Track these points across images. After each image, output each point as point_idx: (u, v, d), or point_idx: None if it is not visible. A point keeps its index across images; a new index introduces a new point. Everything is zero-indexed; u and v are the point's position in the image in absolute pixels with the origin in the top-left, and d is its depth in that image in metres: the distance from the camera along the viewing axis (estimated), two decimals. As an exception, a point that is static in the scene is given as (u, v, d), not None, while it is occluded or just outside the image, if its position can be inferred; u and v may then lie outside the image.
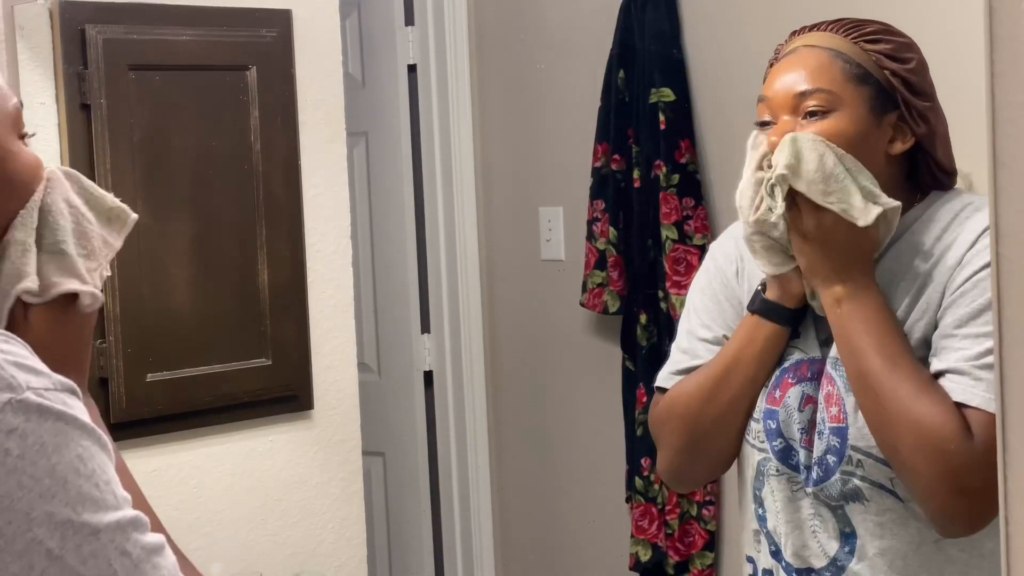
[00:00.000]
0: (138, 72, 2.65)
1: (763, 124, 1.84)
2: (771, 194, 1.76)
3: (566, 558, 3.88)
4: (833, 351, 1.81)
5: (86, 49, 2.59)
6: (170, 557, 1.10)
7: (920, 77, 1.82)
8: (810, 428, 1.81)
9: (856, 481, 1.77)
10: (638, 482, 3.49)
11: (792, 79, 1.81)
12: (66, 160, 2.59)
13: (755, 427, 1.87)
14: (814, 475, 1.80)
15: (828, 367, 1.81)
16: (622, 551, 3.58)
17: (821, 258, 1.76)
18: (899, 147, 1.82)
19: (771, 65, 1.90)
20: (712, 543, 3.41)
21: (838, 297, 1.75)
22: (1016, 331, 0.99)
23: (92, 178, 2.60)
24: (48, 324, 1.26)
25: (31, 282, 1.24)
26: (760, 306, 1.86)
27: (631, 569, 3.54)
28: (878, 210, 1.72)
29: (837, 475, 1.78)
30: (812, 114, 1.78)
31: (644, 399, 3.44)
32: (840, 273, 1.75)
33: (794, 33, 1.90)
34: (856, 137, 1.78)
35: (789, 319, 1.85)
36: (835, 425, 1.78)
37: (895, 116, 1.80)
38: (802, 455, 1.81)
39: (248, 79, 2.79)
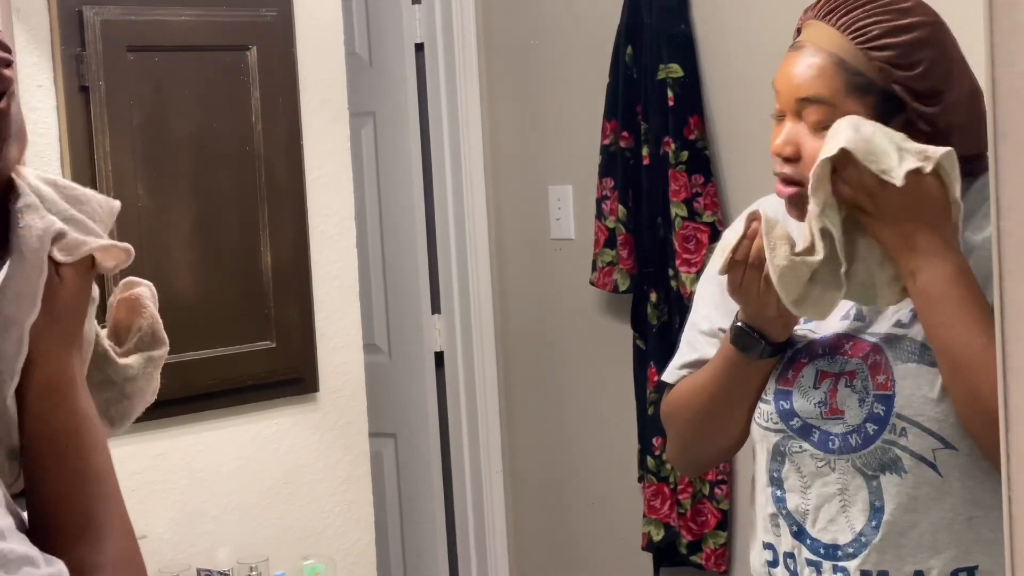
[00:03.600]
0: (137, 53, 2.63)
1: (779, 117, 1.80)
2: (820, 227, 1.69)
3: (578, 538, 3.87)
4: (867, 326, 1.78)
5: (84, 31, 2.57)
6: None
7: (929, 79, 1.73)
8: (830, 399, 1.78)
9: (897, 451, 1.74)
10: (650, 461, 3.47)
11: (795, 79, 1.76)
12: (65, 143, 2.57)
13: (766, 409, 1.85)
14: (852, 442, 1.76)
15: (875, 339, 1.78)
16: (634, 531, 3.56)
17: (890, 233, 1.69)
18: None
19: (797, 32, 1.85)
20: (725, 522, 3.39)
21: (912, 270, 1.69)
22: (1018, 305, 0.96)
23: (91, 160, 2.59)
24: (74, 285, 1.21)
25: (59, 229, 1.19)
26: (740, 342, 1.82)
27: (643, 549, 3.53)
28: (909, 164, 1.64)
29: (878, 443, 1.74)
30: (811, 127, 1.74)
31: (655, 378, 3.42)
32: (910, 245, 1.68)
33: (809, 9, 1.83)
34: None
35: (772, 353, 1.82)
36: (881, 393, 1.75)
37: (902, 119, 1.73)
38: (827, 426, 1.78)
39: (248, 59, 2.76)
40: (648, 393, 3.47)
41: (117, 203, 1.29)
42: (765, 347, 1.80)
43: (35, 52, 2.55)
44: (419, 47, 4.02)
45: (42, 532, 1.12)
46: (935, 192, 1.67)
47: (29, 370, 1.17)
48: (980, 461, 1.72)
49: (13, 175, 1.21)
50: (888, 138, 1.66)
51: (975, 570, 1.74)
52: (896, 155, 1.64)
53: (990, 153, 0.98)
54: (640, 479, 3.55)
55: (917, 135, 1.71)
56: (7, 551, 1.03)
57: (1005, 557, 0.99)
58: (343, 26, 3.00)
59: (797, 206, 1.78)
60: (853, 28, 1.74)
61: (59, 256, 1.19)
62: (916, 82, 1.72)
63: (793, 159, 1.77)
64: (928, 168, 1.64)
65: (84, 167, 2.59)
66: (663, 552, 3.50)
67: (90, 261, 1.23)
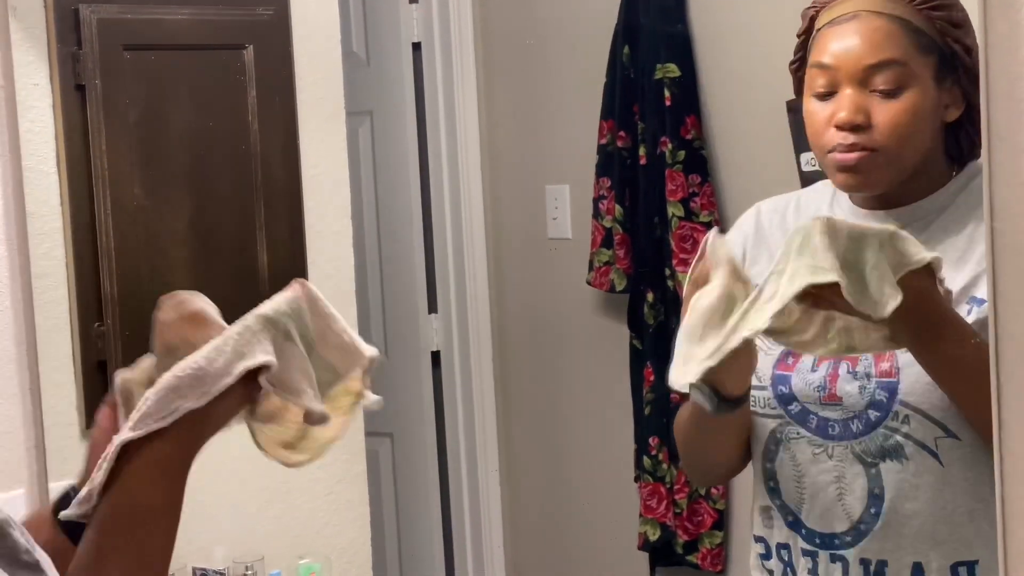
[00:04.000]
0: (133, 52, 2.63)
1: (824, 96, 1.77)
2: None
3: (575, 538, 3.86)
4: None
5: (80, 29, 2.56)
6: None
7: (973, 38, 1.75)
8: (829, 383, 1.77)
9: (899, 438, 1.72)
10: (646, 461, 3.47)
11: (859, 48, 1.74)
12: (61, 141, 2.57)
13: (762, 395, 1.83)
14: (853, 428, 1.75)
15: None
16: (631, 531, 3.56)
17: (890, 340, 1.64)
18: (953, 113, 1.78)
19: (810, 20, 1.83)
20: (721, 522, 3.39)
21: (932, 363, 1.66)
22: (1011, 303, 0.97)
23: (87, 159, 2.59)
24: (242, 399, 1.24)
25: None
26: (693, 395, 1.77)
27: (640, 548, 3.53)
28: (895, 303, 1.53)
29: (880, 429, 1.73)
30: (882, 92, 1.73)
31: (652, 378, 3.42)
32: (916, 341, 1.64)
33: None
34: (928, 112, 1.74)
35: (729, 408, 1.76)
36: (884, 379, 1.73)
37: (951, 82, 1.75)
38: (826, 412, 1.77)
39: (245, 58, 2.76)
40: (644, 393, 3.47)
41: (370, 353, 1.31)
42: (720, 403, 1.74)
43: (31, 50, 2.55)
44: (416, 46, 4.01)
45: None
46: (922, 283, 1.60)
47: (140, 447, 1.17)
48: (982, 454, 1.68)
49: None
50: (863, 249, 1.55)
51: (975, 565, 1.73)
52: (876, 282, 1.54)
53: (984, 154, 0.98)
54: (636, 479, 3.54)
55: (962, 96, 1.74)
56: None
57: (999, 554, 0.99)
58: (340, 25, 2.99)
59: (864, 171, 1.75)
60: None
61: (264, 384, 1.23)
62: (968, 39, 1.74)
63: (864, 127, 1.75)
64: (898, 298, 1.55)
65: (80, 166, 2.58)
66: (659, 552, 3.50)
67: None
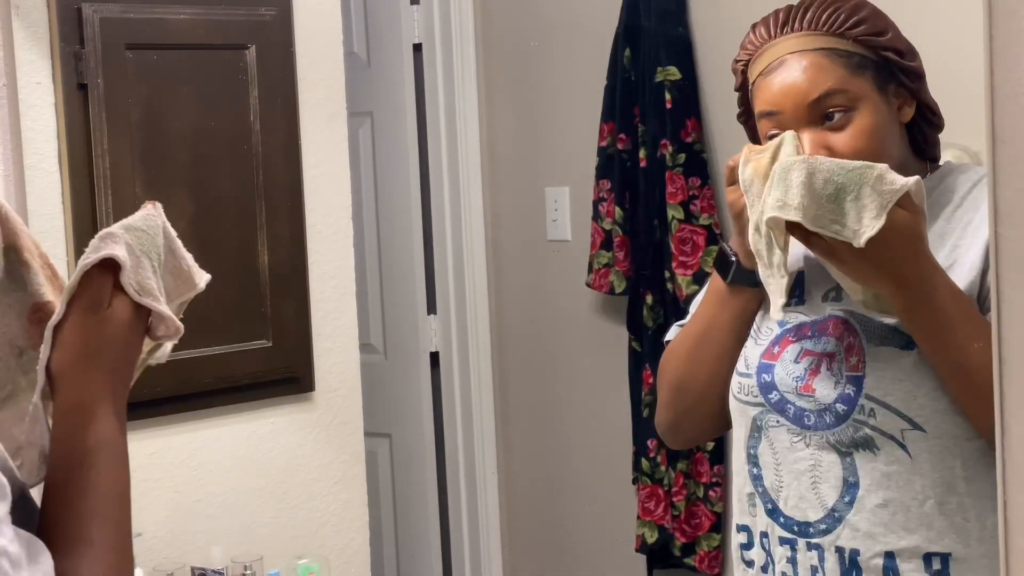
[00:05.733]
0: (135, 51, 2.63)
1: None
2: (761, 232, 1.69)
3: (572, 540, 3.87)
4: (844, 305, 1.79)
5: (83, 28, 2.57)
6: None
7: (900, 39, 1.82)
8: (807, 376, 1.79)
9: (867, 430, 1.75)
10: (644, 463, 3.48)
11: (796, 88, 1.78)
12: (63, 140, 2.57)
13: (746, 383, 1.87)
14: (827, 419, 1.78)
15: (851, 320, 1.79)
16: (628, 533, 3.57)
17: (870, 277, 1.68)
18: (908, 112, 1.82)
19: (741, 74, 1.88)
20: (719, 525, 3.39)
21: (909, 306, 1.68)
22: (1015, 310, 0.96)
23: (89, 158, 2.59)
24: (124, 320, 1.26)
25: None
26: (734, 276, 1.88)
27: (637, 551, 3.53)
28: (877, 225, 1.60)
29: (848, 422, 1.76)
30: (832, 117, 1.76)
31: (650, 380, 3.42)
32: (898, 282, 1.67)
33: (755, 30, 1.89)
34: (884, 123, 1.78)
35: (746, 279, 1.86)
36: (852, 374, 1.76)
37: (895, 86, 1.80)
38: (801, 402, 1.80)
39: (247, 58, 2.76)
40: (643, 395, 3.47)
41: (205, 280, 1.34)
42: (737, 268, 1.86)
43: (34, 49, 2.55)
44: (417, 47, 4.02)
45: (44, 539, 1.15)
46: (906, 222, 1.64)
47: (61, 388, 1.21)
48: (950, 445, 1.73)
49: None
50: (846, 180, 1.62)
51: (948, 557, 1.75)
52: (854, 211, 1.61)
53: (987, 158, 0.98)
54: (634, 481, 3.55)
55: (909, 94, 1.80)
56: None
57: (1000, 562, 0.99)
58: (342, 26, 3.00)
59: None
60: (822, 23, 1.80)
61: (130, 291, 1.23)
62: (895, 42, 1.80)
63: None
64: (883, 220, 1.61)
65: (82, 165, 2.58)
66: (657, 554, 3.50)
67: (147, 312, 1.27)
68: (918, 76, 1.81)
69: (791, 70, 1.79)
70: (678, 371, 1.97)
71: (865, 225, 1.61)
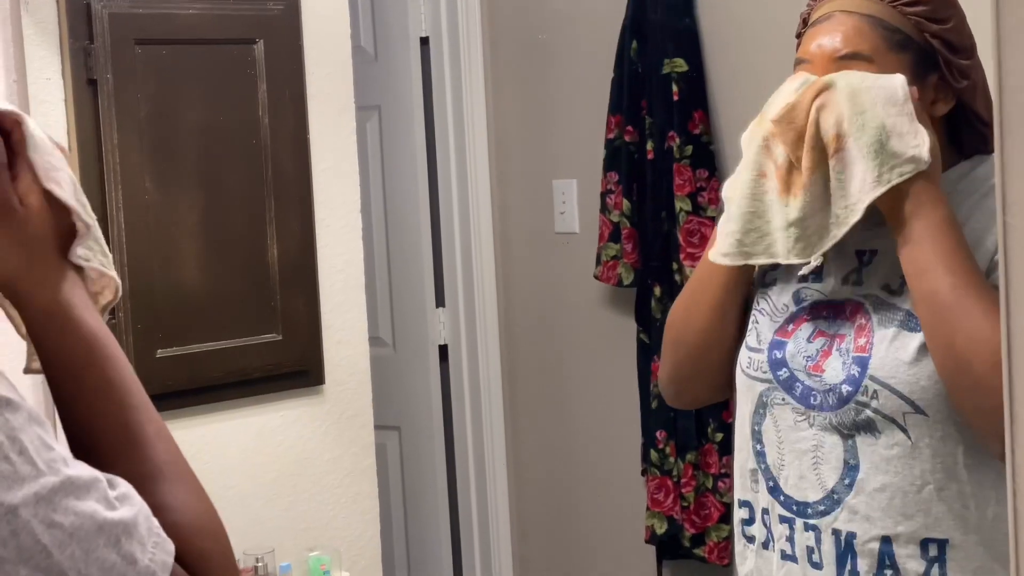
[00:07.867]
0: (144, 46, 2.64)
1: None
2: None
3: (582, 531, 3.87)
4: (864, 289, 1.80)
5: (92, 23, 2.57)
6: (132, 510, 1.01)
7: (960, 34, 1.80)
8: (819, 357, 1.80)
9: (869, 412, 1.75)
10: (653, 455, 3.48)
11: (831, 42, 1.79)
12: (73, 135, 2.58)
13: (757, 358, 1.86)
14: (831, 401, 1.78)
15: (866, 304, 1.79)
16: (638, 524, 3.57)
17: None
18: (942, 108, 1.81)
19: (803, 22, 1.89)
20: (728, 516, 3.39)
21: (905, 217, 1.72)
22: (1023, 301, 0.97)
23: (99, 153, 2.60)
24: (40, 214, 1.14)
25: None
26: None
27: (647, 542, 3.53)
28: (868, 199, 1.70)
29: (851, 403, 1.76)
30: None
31: (658, 371, 3.42)
32: (904, 191, 1.71)
33: None
34: None
35: None
36: (859, 355, 1.76)
37: (936, 77, 1.79)
38: (810, 382, 1.80)
39: (256, 52, 2.77)
40: (652, 387, 3.47)
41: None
42: None
43: (43, 45, 2.56)
44: (424, 41, 4.02)
45: (83, 457, 1.07)
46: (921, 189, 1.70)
47: (25, 304, 1.13)
48: (951, 430, 1.73)
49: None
50: (882, 122, 1.70)
51: (946, 544, 1.75)
52: (856, 180, 1.71)
53: (996, 148, 0.98)
54: (643, 472, 3.55)
55: (951, 91, 1.79)
56: (75, 477, 0.99)
57: (1011, 556, 1.00)
58: (349, 20, 3.00)
59: None
60: None
61: (48, 186, 1.13)
62: (950, 34, 1.78)
63: None
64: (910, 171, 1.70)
65: (92, 160, 2.59)
66: (666, 545, 3.50)
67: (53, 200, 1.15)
68: (964, 75, 1.79)
69: (833, 25, 1.80)
70: (675, 322, 1.98)
71: (859, 201, 1.70)
